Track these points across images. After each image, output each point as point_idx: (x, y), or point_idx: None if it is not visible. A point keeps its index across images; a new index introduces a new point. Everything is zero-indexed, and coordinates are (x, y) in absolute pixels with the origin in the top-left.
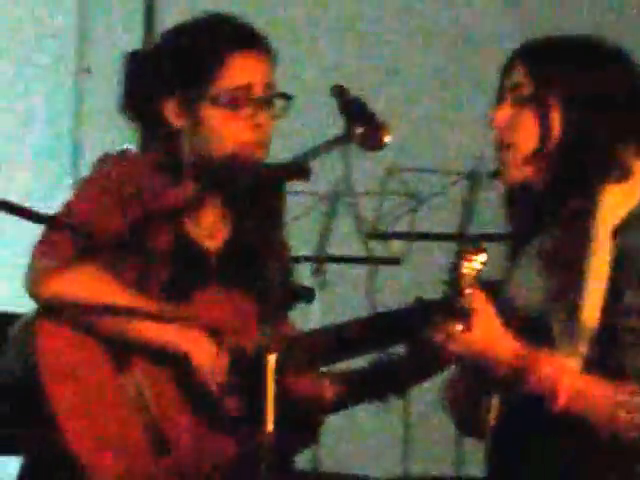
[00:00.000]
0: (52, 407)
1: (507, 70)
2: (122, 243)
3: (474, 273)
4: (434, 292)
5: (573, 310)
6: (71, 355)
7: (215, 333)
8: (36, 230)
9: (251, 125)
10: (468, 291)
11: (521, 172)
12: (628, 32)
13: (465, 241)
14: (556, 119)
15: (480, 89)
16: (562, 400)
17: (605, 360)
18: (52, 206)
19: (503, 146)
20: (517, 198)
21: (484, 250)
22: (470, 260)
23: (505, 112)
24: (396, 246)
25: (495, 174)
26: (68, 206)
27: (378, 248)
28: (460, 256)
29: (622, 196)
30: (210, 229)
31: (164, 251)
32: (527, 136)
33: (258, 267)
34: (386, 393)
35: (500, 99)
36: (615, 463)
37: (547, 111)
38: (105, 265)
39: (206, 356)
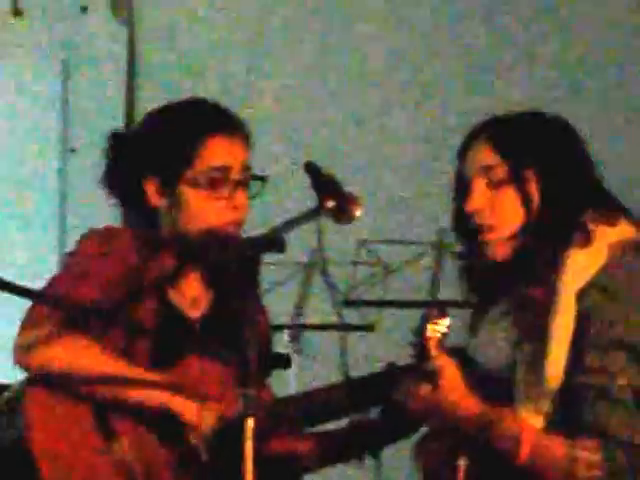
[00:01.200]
0: (41, 474)
1: (468, 149)
2: (107, 314)
3: (439, 336)
4: (406, 356)
5: (537, 369)
6: (59, 424)
7: (198, 398)
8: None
9: (229, 206)
10: (434, 353)
11: (508, 248)
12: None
13: (432, 307)
14: (535, 193)
15: (443, 165)
16: (523, 457)
17: (567, 417)
18: (39, 279)
19: (484, 228)
20: (479, 267)
21: (448, 315)
22: (435, 324)
23: (482, 196)
24: (369, 313)
25: (461, 256)
26: (54, 280)
27: (351, 315)
28: (425, 320)
29: (586, 260)
30: (193, 299)
31: (149, 321)
32: (511, 215)
33: (237, 335)
34: (362, 453)
35: (465, 177)
36: None
37: (528, 187)
38: (91, 335)
39: (195, 416)
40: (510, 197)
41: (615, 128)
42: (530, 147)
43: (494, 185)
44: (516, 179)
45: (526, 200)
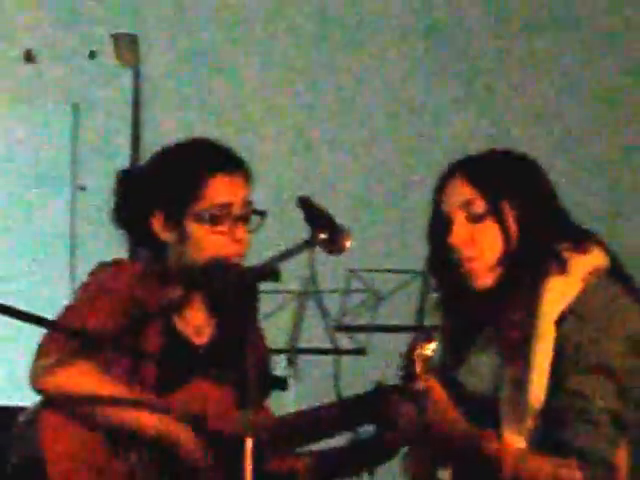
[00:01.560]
0: None
1: (446, 185)
2: (114, 343)
3: (426, 359)
4: (395, 378)
5: (520, 392)
6: (71, 443)
7: (198, 420)
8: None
9: (231, 240)
10: (421, 375)
11: (489, 278)
12: None
13: (420, 331)
14: (513, 225)
15: (422, 203)
16: (506, 476)
17: (548, 437)
18: (52, 309)
19: (465, 260)
20: (466, 299)
21: (435, 339)
22: (422, 348)
23: (463, 230)
24: (360, 338)
25: (437, 289)
26: (66, 310)
27: (344, 340)
28: (413, 344)
29: (563, 288)
30: (198, 327)
31: (155, 347)
32: (491, 246)
33: (239, 359)
34: (358, 470)
35: (444, 212)
36: None
37: (506, 220)
38: (98, 362)
39: (189, 443)
40: (490, 229)
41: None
42: (505, 182)
43: (473, 219)
44: (495, 212)
45: (505, 231)
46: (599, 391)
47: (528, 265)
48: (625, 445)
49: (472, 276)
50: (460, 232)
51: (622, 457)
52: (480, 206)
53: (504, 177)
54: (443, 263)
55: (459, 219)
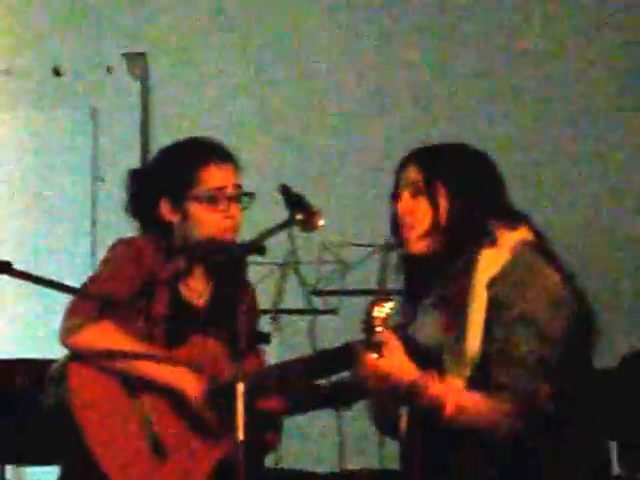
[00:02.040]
0: (81, 429)
1: (402, 169)
2: (130, 306)
3: (384, 316)
4: (360, 333)
5: (459, 343)
6: (94, 389)
7: (199, 369)
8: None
9: (226, 216)
10: (379, 329)
11: (421, 245)
12: None
13: (378, 294)
14: (443, 204)
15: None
16: (449, 411)
17: (483, 379)
18: (76, 280)
19: (407, 227)
20: (413, 264)
21: (392, 299)
22: (381, 306)
23: (405, 203)
24: (332, 301)
25: (398, 246)
26: (90, 279)
27: (318, 303)
28: (372, 304)
29: (493, 258)
30: (199, 290)
31: (164, 310)
32: (423, 219)
33: (231, 318)
34: (338, 405)
35: (398, 191)
36: (494, 457)
37: (437, 199)
38: (118, 322)
39: (193, 388)
40: (424, 204)
41: None
42: (442, 166)
43: (414, 195)
44: (427, 190)
45: (434, 206)
46: (523, 337)
47: (460, 239)
48: (548, 380)
49: (407, 242)
50: (402, 205)
51: (546, 391)
52: (419, 185)
53: (443, 162)
54: (396, 232)
55: (405, 195)
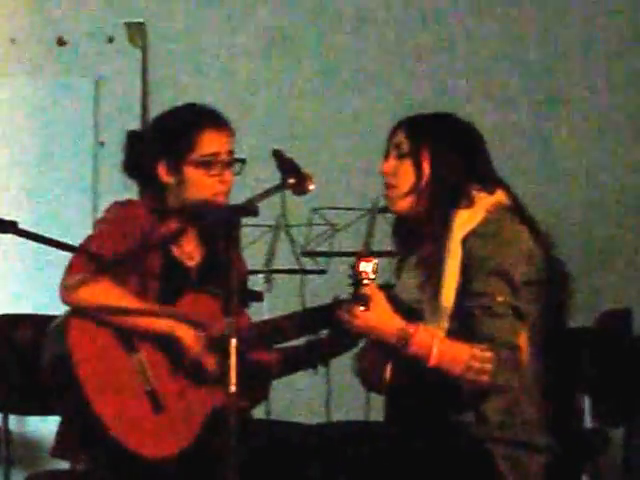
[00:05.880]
0: (80, 381)
1: (391, 134)
2: (126, 264)
3: (370, 270)
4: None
5: (436, 297)
6: (93, 343)
7: (195, 324)
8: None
9: (219, 180)
10: (366, 282)
11: (402, 204)
12: None
13: (360, 251)
14: (426, 167)
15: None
16: (434, 359)
17: (461, 331)
18: (76, 240)
19: (390, 187)
20: (400, 228)
21: (373, 257)
22: (366, 261)
23: (390, 164)
24: (321, 261)
25: (385, 209)
26: (88, 239)
27: (308, 263)
28: (360, 258)
29: (468, 217)
30: (190, 253)
31: (157, 269)
32: (406, 179)
33: (224, 277)
34: (315, 363)
35: (387, 153)
36: (470, 403)
37: (420, 162)
38: (115, 279)
39: (191, 339)
40: (408, 165)
41: None
42: (428, 132)
43: (399, 156)
44: (412, 153)
45: (417, 168)
46: (498, 289)
47: (439, 200)
48: (525, 331)
49: (389, 200)
50: (387, 165)
51: (523, 340)
52: (405, 148)
53: (429, 129)
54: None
55: (391, 156)
